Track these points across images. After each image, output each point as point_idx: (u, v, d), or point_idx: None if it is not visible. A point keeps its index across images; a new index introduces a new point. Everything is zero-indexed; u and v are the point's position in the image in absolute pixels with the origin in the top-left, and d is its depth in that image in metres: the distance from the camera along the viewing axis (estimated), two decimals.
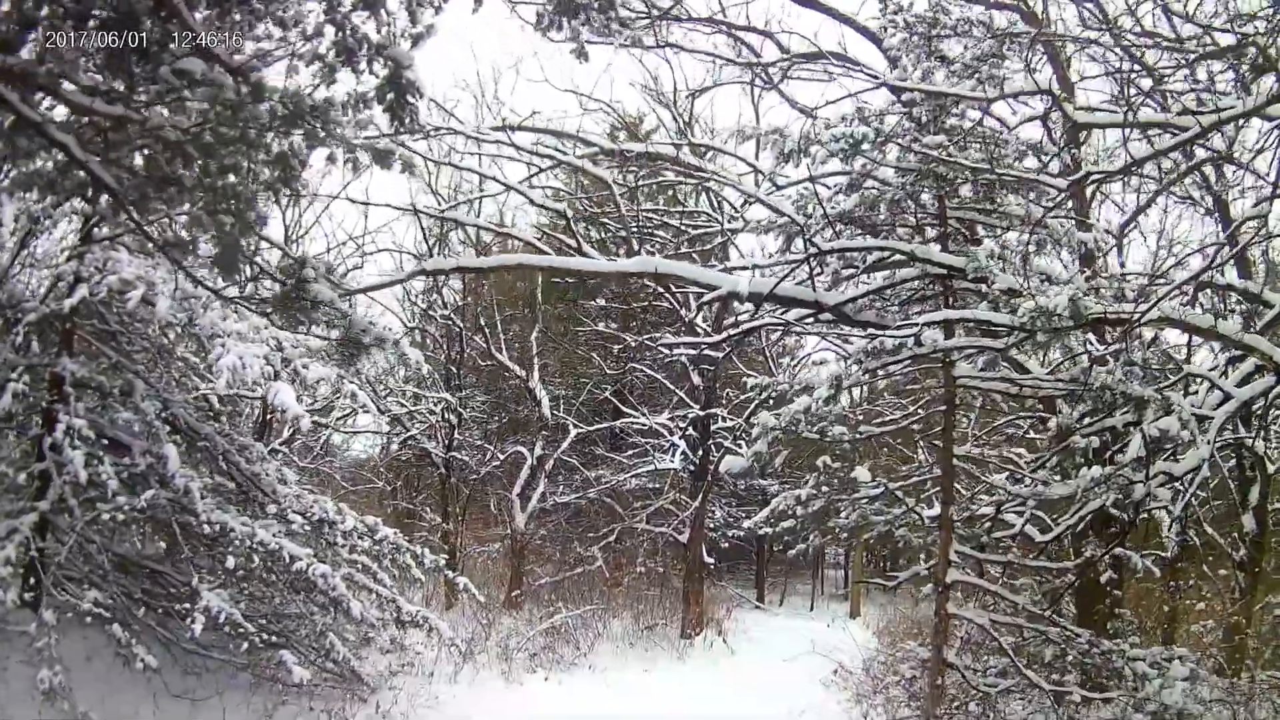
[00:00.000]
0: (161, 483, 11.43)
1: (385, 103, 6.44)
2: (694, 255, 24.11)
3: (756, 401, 25.00)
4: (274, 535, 11.54)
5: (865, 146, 9.63)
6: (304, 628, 12.86)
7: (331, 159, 6.00)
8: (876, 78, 12.77)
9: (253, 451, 13.46)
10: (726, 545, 33.78)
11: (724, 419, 26.37)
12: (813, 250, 9.32)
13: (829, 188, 10.91)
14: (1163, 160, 10.59)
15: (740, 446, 26.21)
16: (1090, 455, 9.72)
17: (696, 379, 25.50)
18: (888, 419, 11.40)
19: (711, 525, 28.11)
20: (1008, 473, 10.89)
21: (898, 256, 10.25)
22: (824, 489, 10.19)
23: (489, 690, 15.84)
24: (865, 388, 23.99)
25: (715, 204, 21.21)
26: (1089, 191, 13.41)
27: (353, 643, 13.62)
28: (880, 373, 9.28)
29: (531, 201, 12.21)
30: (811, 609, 37.54)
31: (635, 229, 15.99)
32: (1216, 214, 14.32)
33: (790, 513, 10.21)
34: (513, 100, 64.04)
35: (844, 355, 9.47)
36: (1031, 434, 15.15)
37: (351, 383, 12.83)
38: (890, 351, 8.62)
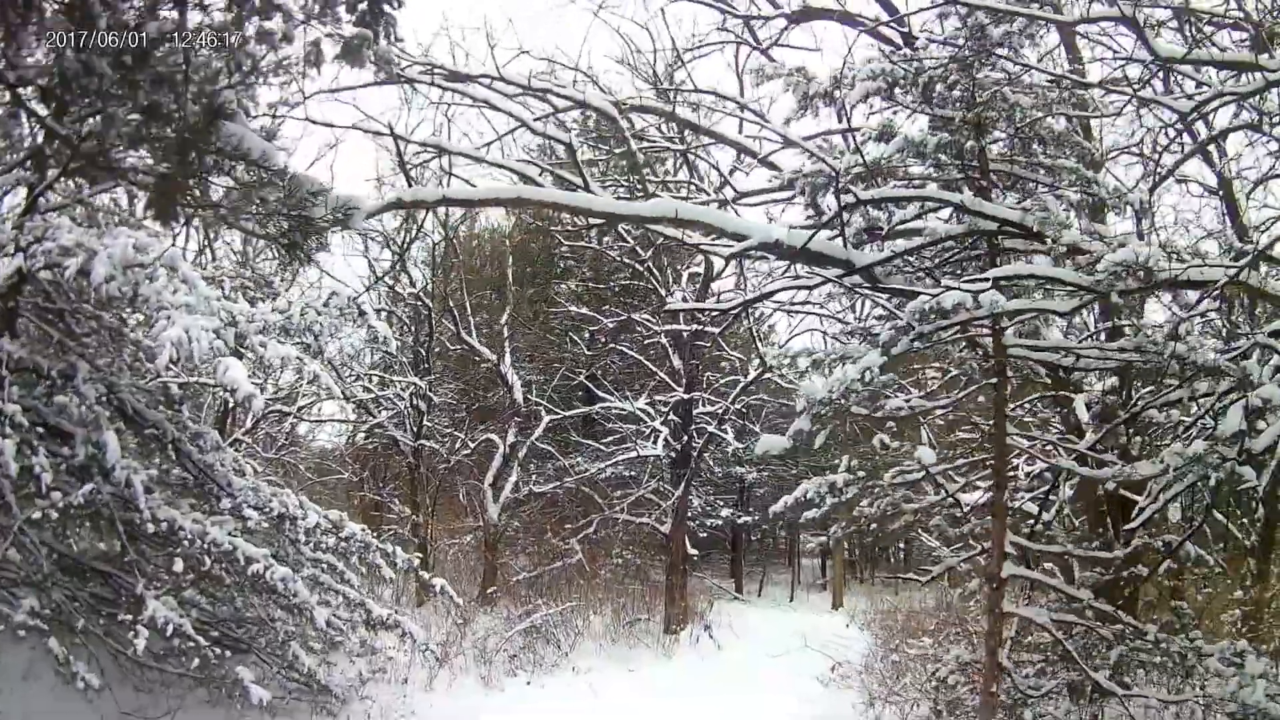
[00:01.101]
0: (104, 475, 10.11)
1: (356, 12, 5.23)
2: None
3: (745, 381, 24.47)
4: (228, 533, 10.25)
5: (901, 86, 8.49)
6: (265, 635, 11.56)
7: (286, 39, 4.76)
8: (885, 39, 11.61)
9: (206, 440, 12.11)
10: (704, 535, 32.82)
11: (707, 402, 25.30)
12: (849, 200, 8.13)
13: (849, 141, 9.79)
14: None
15: (725, 431, 25.23)
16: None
17: (677, 362, 24.36)
18: (935, 393, 10.10)
19: (689, 514, 26.96)
20: (1073, 453, 9.73)
21: (929, 223, 9.14)
22: (859, 473, 9.02)
23: (468, 697, 14.64)
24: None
25: (699, 174, 19.87)
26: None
27: (320, 649, 12.39)
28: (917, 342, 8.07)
29: (532, 130, 10.76)
30: (791, 599, 36.56)
31: (646, 174, 14.24)
32: None
33: (818, 500, 9.00)
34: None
35: (891, 319, 8.21)
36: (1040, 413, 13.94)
37: (311, 364, 11.47)
38: (947, 312, 7.45)
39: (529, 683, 16.04)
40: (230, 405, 21.01)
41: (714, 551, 38.51)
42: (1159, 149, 12.33)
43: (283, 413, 23.07)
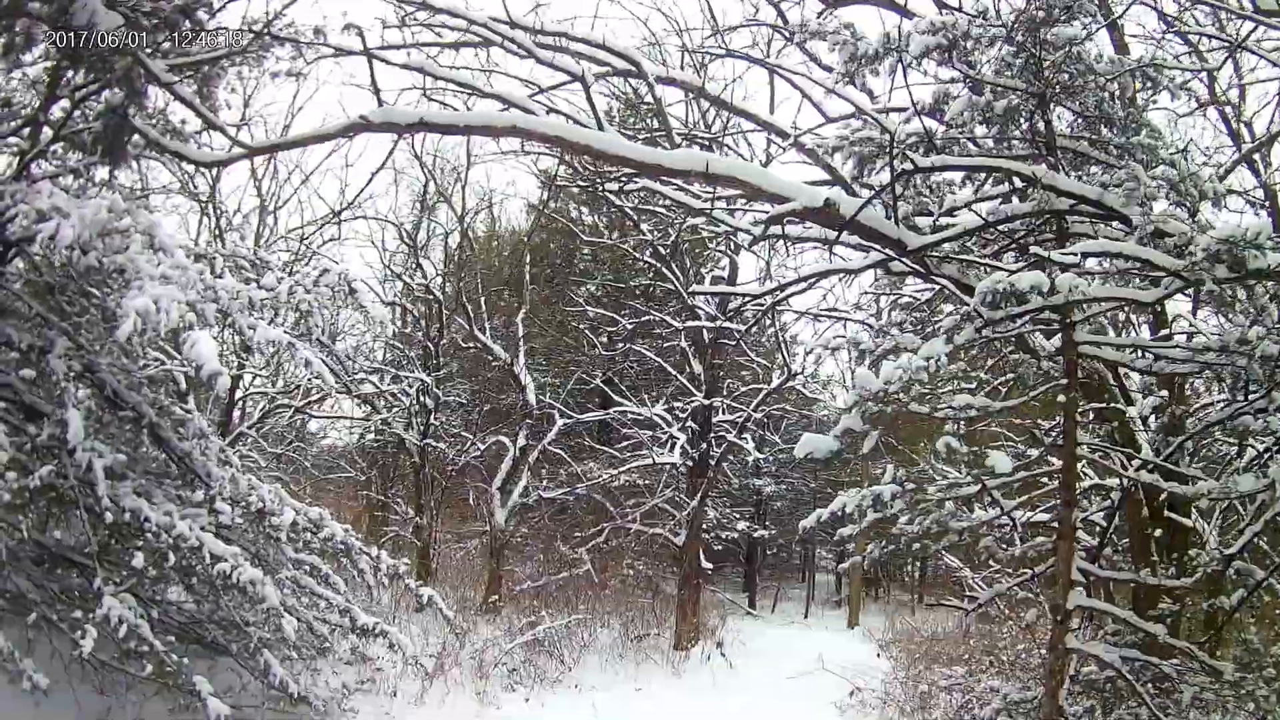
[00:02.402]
0: (71, 456, 9.19)
1: None
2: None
3: (769, 388, 23.43)
4: (199, 528, 9.30)
5: (962, 45, 7.50)
6: (240, 639, 10.60)
7: None
8: None
9: (189, 427, 11.17)
10: (719, 548, 31.81)
11: (727, 409, 24.29)
12: (907, 168, 7.13)
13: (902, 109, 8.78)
14: None
15: (745, 440, 24.17)
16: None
17: (697, 366, 23.38)
18: (993, 395, 8.97)
19: (704, 526, 25.93)
20: (1146, 466, 8.69)
21: (982, 208, 8.15)
22: (907, 485, 7.96)
23: (460, 713, 13.65)
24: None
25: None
26: None
27: (307, 655, 11.47)
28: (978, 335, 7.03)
29: (537, 59, 9.51)
30: (806, 616, 35.51)
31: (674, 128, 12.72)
32: None
33: (858, 515, 7.93)
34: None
35: (962, 305, 7.14)
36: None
37: (304, 350, 10.45)
38: (1023, 295, 6.44)
39: (528, 699, 15.06)
40: (232, 396, 20.25)
41: (727, 565, 37.47)
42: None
43: (290, 406, 22.17)
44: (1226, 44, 11.30)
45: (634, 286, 28.02)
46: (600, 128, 8.38)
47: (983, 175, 8.77)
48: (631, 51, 9.41)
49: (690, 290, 21.35)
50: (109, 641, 9.03)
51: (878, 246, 8.14)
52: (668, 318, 24.14)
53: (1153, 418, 10.48)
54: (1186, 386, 12.09)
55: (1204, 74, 12.21)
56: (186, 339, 8.28)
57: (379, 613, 16.16)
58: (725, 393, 24.85)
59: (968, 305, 6.98)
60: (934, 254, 7.91)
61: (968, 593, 25.14)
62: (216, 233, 19.59)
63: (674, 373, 23.87)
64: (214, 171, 18.52)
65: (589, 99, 8.67)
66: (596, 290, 29.86)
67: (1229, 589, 8.76)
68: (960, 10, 8.83)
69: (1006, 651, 13.47)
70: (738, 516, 33.25)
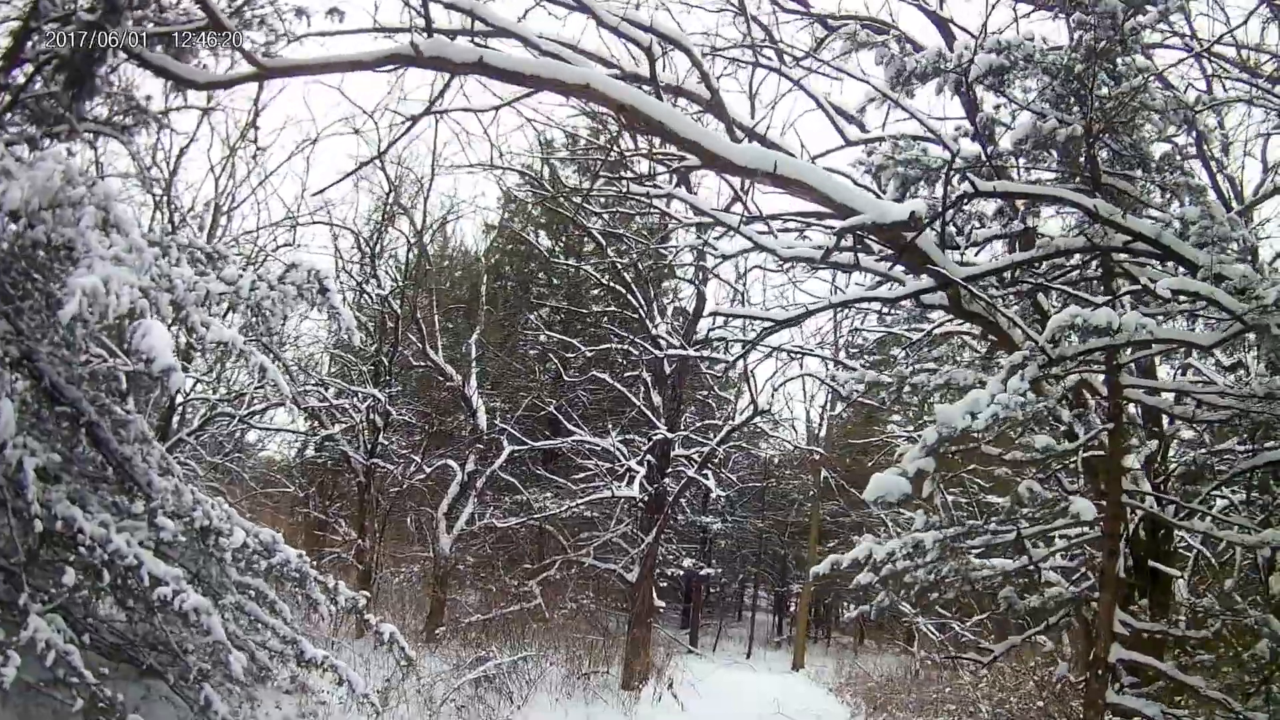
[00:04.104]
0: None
1: None
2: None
3: (735, 423, 22.73)
4: (136, 543, 8.36)
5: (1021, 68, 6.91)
6: (178, 667, 9.61)
7: None
8: None
9: (131, 429, 10.19)
10: (664, 584, 31.04)
11: (684, 443, 23.58)
12: (966, 190, 6.47)
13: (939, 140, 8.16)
14: None
15: (706, 476, 23.38)
16: None
17: (657, 398, 22.65)
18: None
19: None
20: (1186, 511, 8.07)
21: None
22: (946, 531, 7.23)
23: None
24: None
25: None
26: None
27: (247, 683, 10.52)
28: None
29: (600, 22, 8.52)
30: (749, 656, 34.80)
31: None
32: None
33: (891, 562, 7.19)
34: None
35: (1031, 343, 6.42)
36: None
37: (257, 355, 9.53)
38: (1102, 330, 5.80)
39: None
40: (172, 399, 19.19)
41: (669, 602, 36.74)
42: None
43: (232, 415, 21.13)
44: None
45: (593, 313, 27.30)
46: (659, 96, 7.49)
47: (1008, 212, 8.22)
48: (680, 36, 8.57)
49: (711, 313, 20.68)
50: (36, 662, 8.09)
51: (906, 275, 7.52)
52: (629, 347, 23.42)
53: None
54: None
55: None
56: (136, 328, 7.40)
57: (318, 640, 15.20)
58: (683, 426, 24.16)
59: (1020, 344, 6.29)
60: (965, 290, 7.29)
61: (917, 638, 24.79)
62: (170, 227, 18.63)
63: (637, 403, 23.08)
64: (183, 147, 17.81)
65: (653, 73, 7.82)
66: (551, 316, 29.20)
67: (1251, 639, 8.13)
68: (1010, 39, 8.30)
69: (985, 702, 12.83)
70: (683, 553, 32.54)
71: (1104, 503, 7.25)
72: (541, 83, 7.14)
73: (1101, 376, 7.44)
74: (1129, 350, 7.08)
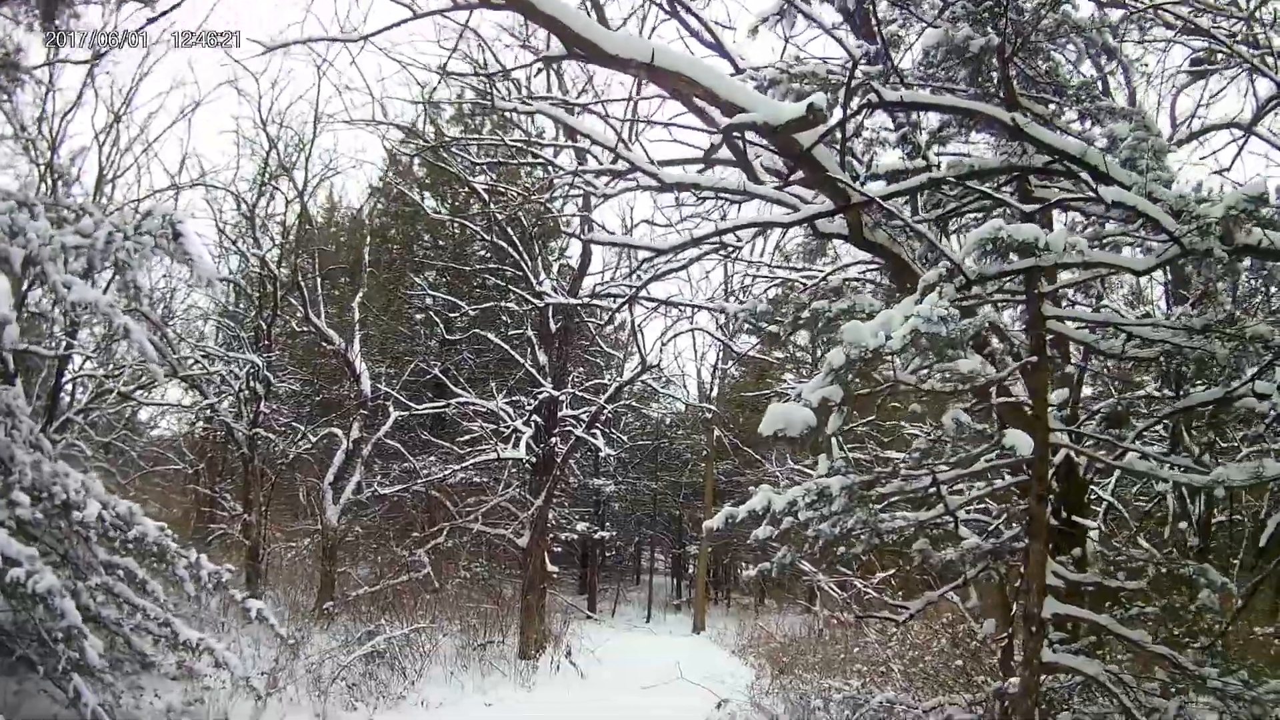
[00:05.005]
0: None
1: None
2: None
3: (623, 380, 22.36)
4: None
5: None
6: (47, 661, 8.87)
7: None
8: None
9: None
10: (558, 549, 30.63)
11: (573, 402, 23.19)
12: (872, 100, 6.07)
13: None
14: None
15: (595, 435, 22.92)
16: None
17: (543, 356, 22.16)
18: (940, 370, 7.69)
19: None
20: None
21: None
22: (850, 473, 6.83)
23: None
24: None
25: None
26: None
27: (129, 671, 9.87)
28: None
29: None
30: (648, 620, 34.68)
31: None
32: None
33: (790, 512, 6.72)
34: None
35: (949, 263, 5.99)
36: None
37: (121, 317, 8.83)
38: (1028, 247, 5.43)
39: (372, 718, 13.55)
40: (58, 380, 18.21)
41: (563, 567, 36.39)
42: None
43: (120, 394, 20.03)
44: None
45: (478, 273, 26.64)
46: None
47: (912, 139, 7.86)
48: None
49: (589, 240, 20.15)
50: None
51: (802, 200, 7.14)
52: (513, 304, 22.87)
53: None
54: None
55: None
56: None
57: (208, 620, 14.47)
58: (570, 385, 23.71)
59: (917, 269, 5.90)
60: (867, 218, 6.93)
61: (819, 596, 24.66)
62: (52, 194, 17.64)
63: (523, 362, 22.55)
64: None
65: None
66: (437, 278, 28.47)
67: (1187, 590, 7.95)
68: None
69: (900, 661, 12.67)
70: (576, 517, 32.14)
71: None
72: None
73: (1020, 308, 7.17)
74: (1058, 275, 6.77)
